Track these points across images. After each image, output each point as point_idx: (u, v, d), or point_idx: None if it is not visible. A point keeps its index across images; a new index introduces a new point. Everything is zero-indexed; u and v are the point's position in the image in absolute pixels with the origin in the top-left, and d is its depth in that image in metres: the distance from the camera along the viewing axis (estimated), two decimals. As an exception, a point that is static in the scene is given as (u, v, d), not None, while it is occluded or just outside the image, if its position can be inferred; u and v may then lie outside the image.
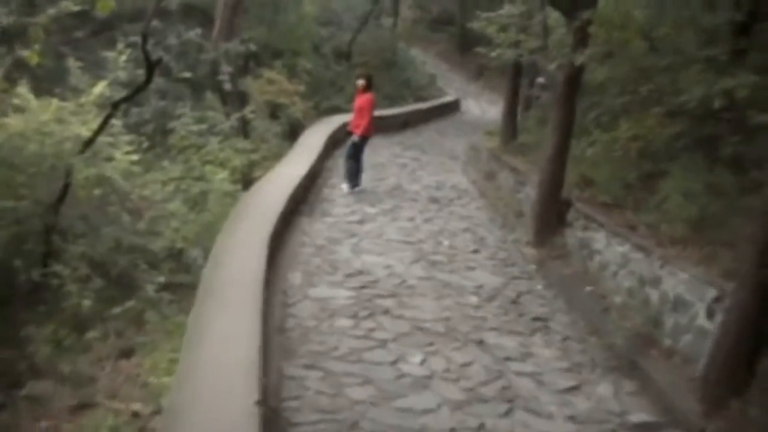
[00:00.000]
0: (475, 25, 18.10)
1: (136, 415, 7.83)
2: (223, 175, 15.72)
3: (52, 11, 12.56)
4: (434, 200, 16.30)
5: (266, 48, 25.40)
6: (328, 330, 8.40)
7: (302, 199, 13.96)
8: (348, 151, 16.31)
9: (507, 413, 7.05)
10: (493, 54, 17.36)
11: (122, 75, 14.13)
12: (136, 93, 13.51)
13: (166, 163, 16.33)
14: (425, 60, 42.27)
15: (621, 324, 9.42)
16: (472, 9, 48.50)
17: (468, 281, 10.80)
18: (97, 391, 8.83)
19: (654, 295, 9.35)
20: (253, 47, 19.18)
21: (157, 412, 7.28)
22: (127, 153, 14.86)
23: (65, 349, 10.33)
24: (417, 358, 7.93)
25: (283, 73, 23.43)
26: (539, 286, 11.20)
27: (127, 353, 9.93)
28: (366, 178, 16.97)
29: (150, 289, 11.02)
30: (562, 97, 12.63)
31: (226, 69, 18.77)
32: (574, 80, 12.44)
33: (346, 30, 32.81)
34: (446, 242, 12.75)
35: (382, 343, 8.20)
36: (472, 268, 11.50)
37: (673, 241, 9.79)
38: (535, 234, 13.06)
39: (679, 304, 8.73)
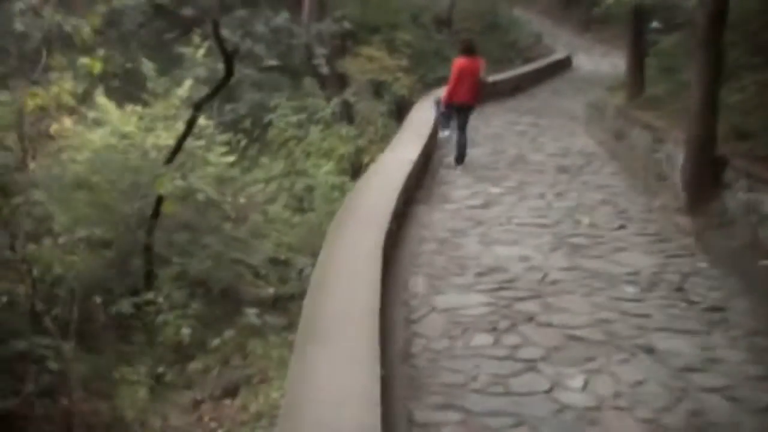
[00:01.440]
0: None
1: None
2: (328, 166, 14.44)
3: (102, 8, 11.33)
4: (563, 169, 14.66)
5: (362, 25, 24.02)
6: (462, 352, 6.88)
7: (417, 185, 12.51)
8: None
9: (703, 452, 5.48)
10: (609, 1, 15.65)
11: (202, 71, 12.89)
12: (217, 90, 12.19)
13: (265, 160, 15.08)
14: (529, 18, 40.23)
15: (818, 307, 7.72)
16: (574, -40, 46.69)
17: (620, 267, 9.14)
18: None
19: None
20: (346, 25, 17.74)
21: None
22: (223, 154, 13.70)
23: (166, 385, 9.14)
24: (577, 381, 6.34)
25: (383, 49, 21.96)
26: (704, 264, 9.48)
27: (231, 391, 8.65)
28: (484, 152, 15.70)
29: (252, 315, 9.65)
30: (705, 40, 10.78)
31: (320, 51, 17.45)
32: (719, 17, 10.64)
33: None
34: (586, 220, 11.10)
35: (532, 365, 6.63)
36: (621, 249, 9.83)
37: None
38: (688, 200, 11.32)
39: None
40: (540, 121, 20.94)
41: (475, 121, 19.87)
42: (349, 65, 20.74)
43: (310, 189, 13.67)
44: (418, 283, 8.50)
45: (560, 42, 39.58)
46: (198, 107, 11.66)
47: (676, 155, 13.20)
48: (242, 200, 13.67)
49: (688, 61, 18.33)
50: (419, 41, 25.25)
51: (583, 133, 19.42)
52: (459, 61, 14.59)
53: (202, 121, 14.04)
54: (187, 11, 25.34)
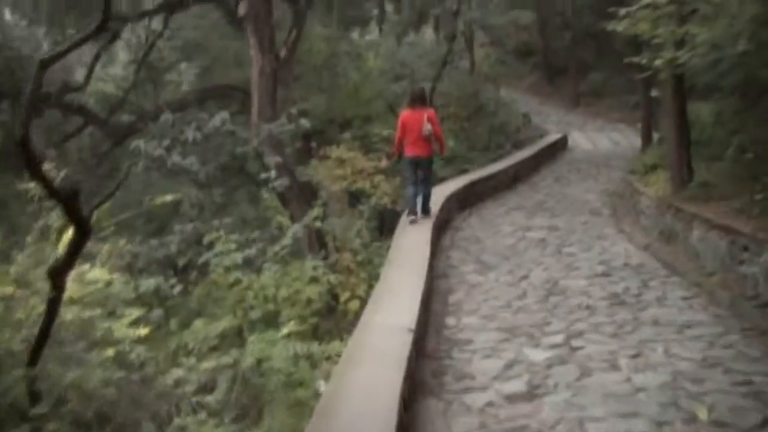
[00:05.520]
0: (618, 27, 12.47)
1: None
2: (289, 325, 10.18)
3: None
4: (616, 300, 10.49)
5: (329, 121, 20.09)
6: None
7: (419, 353, 8.27)
8: None
9: None
10: (657, 62, 11.75)
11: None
12: (75, 253, 7.85)
13: (198, 323, 10.78)
14: (515, 98, 36.60)
15: None
16: (553, 36, 43.41)
17: None
18: None
19: None
20: (305, 123, 13.63)
21: None
22: (132, 323, 9.49)
23: None
24: None
25: (356, 148, 17.84)
26: None
27: None
28: (501, 281, 11.94)
29: None
30: None
31: (273, 160, 13.30)
32: None
33: (422, 81, 27.27)
34: (703, 413, 6.65)
35: None
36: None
37: None
38: None
39: None
40: (556, 221, 16.87)
41: (478, 230, 15.98)
42: (316, 171, 16.65)
43: (262, 362, 9.37)
44: None
45: (550, 120, 36.50)
46: (56, 280, 7.40)
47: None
48: (169, 382, 9.43)
49: (732, 136, 14.50)
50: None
51: (615, 234, 15.38)
52: (403, 114, 14.44)
53: (103, 274, 9.90)
54: (124, 117, 21.50)
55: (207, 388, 9.38)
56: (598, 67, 38.90)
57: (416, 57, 29.64)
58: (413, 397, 7.21)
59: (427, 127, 13.87)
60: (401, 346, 7.22)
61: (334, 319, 12.84)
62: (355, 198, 16.93)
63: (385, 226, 16.01)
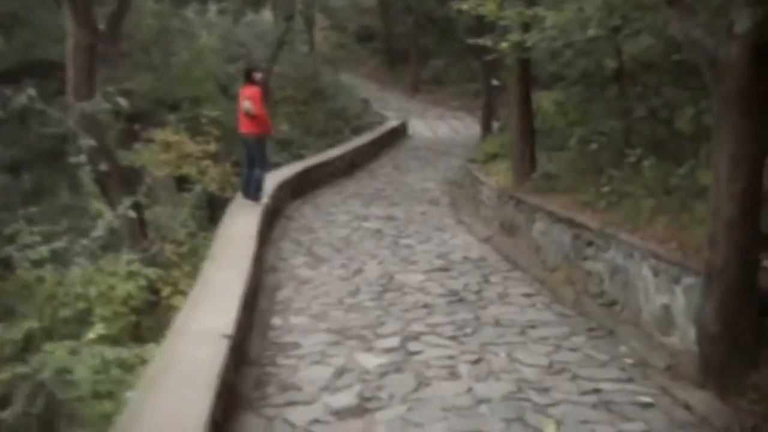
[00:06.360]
0: (463, 6, 11.82)
1: None
2: (96, 328, 9.10)
3: None
4: (455, 298, 9.86)
5: (159, 102, 18.86)
6: None
7: (240, 358, 7.40)
8: None
9: None
10: (503, 45, 11.19)
11: None
12: None
13: (-1, 327, 9.55)
14: (354, 83, 35.83)
15: None
16: (395, 21, 42.85)
17: None
18: None
19: None
20: (123, 102, 12.43)
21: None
22: None
23: None
24: None
25: (183, 131, 16.67)
26: None
27: None
28: (333, 276, 11.13)
29: None
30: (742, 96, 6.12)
31: (86, 142, 12.06)
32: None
33: (259, 62, 26.17)
34: (550, 430, 6.07)
35: None
36: None
37: None
38: (706, 366, 6.62)
39: None
40: (394, 211, 16.22)
41: (312, 220, 15.18)
42: (140, 156, 15.43)
43: (66, 372, 8.30)
44: None
45: (390, 107, 35.98)
46: None
47: (630, 270, 8.76)
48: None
49: (574, 126, 14.15)
50: (231, 118, 19.68)
51: (455, 225, 14.84)
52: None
53: None
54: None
55: (4, 402, 8.24)
56: (440, 55, 38.57)
57: (253, 37, 28.58)
58: (230, 413, 6.33)
59: (245, 104, 13.50)
60: (215, 356, 6.30)
61: (155, 316, 11.78)
62: (182, 186, 15.83)
63: (214, 214, 15.00)
